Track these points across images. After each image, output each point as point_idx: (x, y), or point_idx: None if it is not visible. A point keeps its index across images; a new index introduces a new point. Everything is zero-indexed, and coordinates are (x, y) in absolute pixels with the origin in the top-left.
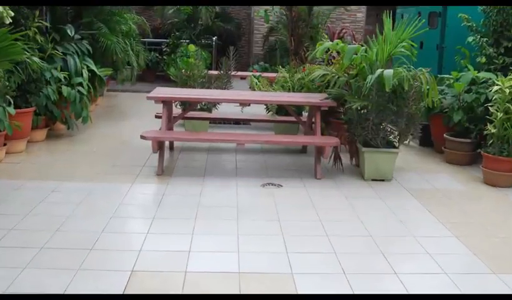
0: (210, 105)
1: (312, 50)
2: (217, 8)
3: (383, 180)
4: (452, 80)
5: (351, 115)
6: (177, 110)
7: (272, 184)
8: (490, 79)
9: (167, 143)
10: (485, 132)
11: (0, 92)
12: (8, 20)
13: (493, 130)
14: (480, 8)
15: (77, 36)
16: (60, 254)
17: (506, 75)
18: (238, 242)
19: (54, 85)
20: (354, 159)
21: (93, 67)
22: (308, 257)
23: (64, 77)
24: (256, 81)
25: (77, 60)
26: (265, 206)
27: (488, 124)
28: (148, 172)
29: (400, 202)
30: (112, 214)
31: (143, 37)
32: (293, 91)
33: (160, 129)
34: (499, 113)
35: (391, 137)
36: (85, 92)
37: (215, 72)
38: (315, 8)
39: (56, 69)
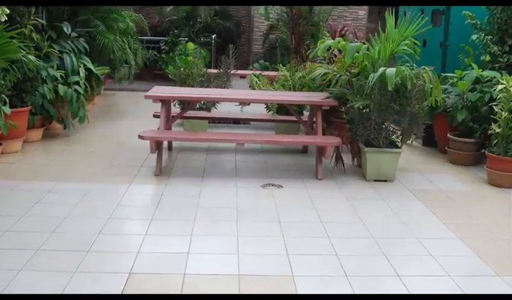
0: (209, 104)
1: (313, 48)
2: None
3: (385, 180)
4: (456, 79)
5: (353, 115)
6: (175, 109)
7: (272, 185)
8: (494, 77)
9: (165, 143)
10: (489, 132)
11: None
12: (3, 18)
13: (498, 130)
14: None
15: (74, 34)
16: (57, 255)
17: (510, 74)
18: (238, 244)
19: (50, 84)
20: (356, 159)
21: (90, 66)
22: (309, 259)
23: (61, 76)
24: (256, 80)
25: (74, 58)
26: (265, 207)
27: (493, 123)
28: (146, 172)
29: (403, 203)
30: (109, 215)
31: (141, 35)
32: (294, 90)
33: (158, 129)
34: (503, 112)
35: (393, 136)
36: (82, 91)
37: (214, 71)
38: None
39: (52, 67)
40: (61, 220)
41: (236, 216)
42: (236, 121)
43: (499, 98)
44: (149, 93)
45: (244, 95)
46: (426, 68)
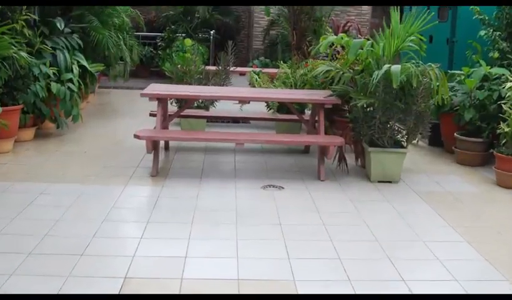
0: (208, 102)
1: (315, 44)
2: None
3: (390, 182)
4: (463, 77)
5: (357, 114)
6: (172, 108)
7: (273, 186)
8: (503, 75)
9: (162, 143)
10: (498, 131)
11: None
12: None
13: (506, 129)
14: None
15: (67, 30)
16: (50, 259)
17: None
18: (237, 248)
19: (42, 82)
20: (359, 160)
21: (84, 63)
22: (311, 263)
23: (53, 73)
24: (256, 77)
25: (67, 55)
26: (266, 209)
27: (501, 122)
28: (142, 173)
29: (408, 205)
30: (104, 217)
31: (137, 31)
32: (295, 88)
33: (154, 128)
34: None
35: (398, 136)
36: (75, 89)
37: (212, 68)
38: None
39: (45, 64)
40: (54, 223)
41: (235, 219)
42: (235, 120)
43: (508, 96)
44: (145, 91)
45: (244, 93)
46: (433, 65)
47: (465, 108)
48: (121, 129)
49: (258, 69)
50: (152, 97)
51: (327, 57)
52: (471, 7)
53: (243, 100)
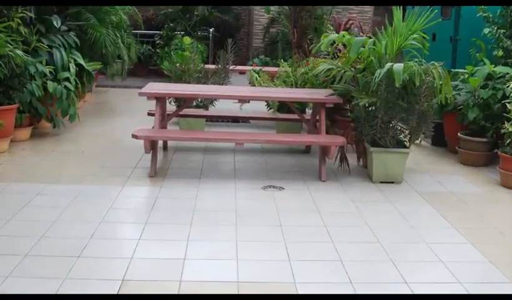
0: (207, 102)
1: (316, 42)
2: None
3: (392, 182)
4: (467, 75)
5: (358, 113)
6: (171, 107)
7: (273, 187)
8: (508, 73)
9: (160, 143)
10: (502, 131)
11: None
12: None
13: (511, 129)
14: None
15: (64, 27)
16: (46, 261)
17: None
18: (237, 249)
19: (38, 81)
20: (361, 160)
21: (81, 61)
22: (311, 265)
23: (50, 72)
24: (256, 76)
25: (64, 53)
26: (266, 210)
27: (506, 122)
28: (140, 173)
29: (411, 206)
30: (101, 218)
31: (135, 29)
32: (296, 87)
33: (152, 128)
34: None
35: (401, 136)
36: (72, 88)
37: (212, 67)
38: None
39: (41, 62)
40: (51, 224)
41: (235, 220)
42: (235, 120)
43: None
44: (143, 90)
45: (243, 92)
46: (436, 63)
47: (469, 107)
48: (119, 128)
49: (258, 68)
50: (150, 96)
51: (328, 55)
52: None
53: (243, 100)
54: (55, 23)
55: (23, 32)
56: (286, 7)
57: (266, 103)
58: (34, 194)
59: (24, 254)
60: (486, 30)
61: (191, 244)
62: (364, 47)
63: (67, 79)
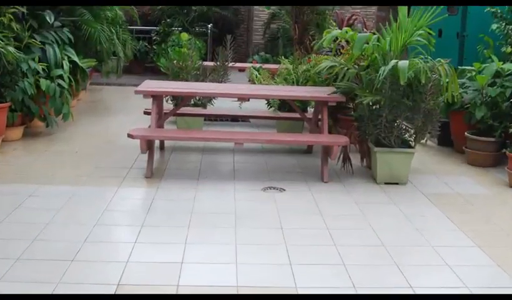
0: (205, 100)
1: (318, 39)
2: None
3: (397, 183)
4: (474, 73)
5: (362, 112)
6: (168, 105)
7: (274, 188)
8: None
9: (157, 142)
10: (511, 130)
11: None
12: None
13: None
14: None
15: (57, 23)
16: (39, 265)
17: None
18: (236, 253)
19: (31, 78)
20: (365, 160)
21: (75, 58)
22: (313, 270)
23: (43, 69)
24: (256, 73)
25: (57, 50)
26: (266, 212)
27: None
28: (136, 174)
29: (416, 208)
30: (95, 221)
31: (131, 25)
32: (297, 85)
33: (149, 127)
34: None
35: (406, 135)
36: (66, 86)
37: (210, 64)
38: None
39: (34, 59)
40: (43, 227)
41: (234, 222)
42: (234, 118)
43: None
44: (139, 88)
45: (243, 90)
46: (442, 60)
47: (476, 106)
48: (114, 127)
49: (258, 65)
50: (146, 95)
51: (331, 52)
52: None
53: (243, 98)
54: (48, 19)
55: (15, 28)
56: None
57: (266, 101)
58: (26, 196)
59: (16, 257)
60: (494, 26)
61: (189, 247)
62: (368, 44)
63: (61, 77)
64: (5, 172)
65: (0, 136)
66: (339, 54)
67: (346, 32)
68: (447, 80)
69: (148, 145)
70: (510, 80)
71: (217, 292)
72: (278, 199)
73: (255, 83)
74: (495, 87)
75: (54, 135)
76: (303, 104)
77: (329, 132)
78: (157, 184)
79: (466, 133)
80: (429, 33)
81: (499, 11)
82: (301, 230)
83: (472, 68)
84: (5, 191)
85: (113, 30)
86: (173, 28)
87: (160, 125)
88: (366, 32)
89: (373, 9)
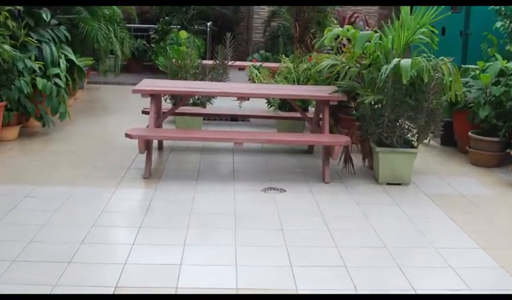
0: (204, 99)
1: (320, 37)
2: None
3: (399, 184)
4: (478, 71)
5: (364, 111)
6: (166, 105)
7: (274, 189)
8: None
9: (155, 142)
10: None
11: None
12: None
13: None
14: None
15: (54, 21)
16: (35, 267)
17: None
18: (236, 254)
19: (27, 77)
20: (367, 161)
21: (72, 57)
22: (315, 272)
23: (39, 68)
24: (257, 72)
25: (54, 48)
26: (266, 213)
27: None
28: (134, 175)
29: (419, 209)
30: (93, 222)
31: (129, 23)
32: (298, 83)
33: (147, 127)
34: None
35: (408, 135)
36: (62, 85)
37: (209, 62)
38: None
39: (30, 58)
40: (40, 228)
41: (234, 223)
42: (234, 118)
43: None
44: (137, 87)
45: (243, 90)
46: (445, 59)
47: (480, 105)
48: (111, 127)
49: (258, 64)
50: (144, 94)
51: (332, 50)
52: None
53: (242, 97)
54: (44, 16)
55: (11, 26)
56: None
57: (266, 101)
58: (22, 197)
59: (12, 259)
60: (498, 24)
61: (187, 248)
62: (369, 42)
63: (57, 76)
64: (1, 173)
65: None
66: (340, 52)
67: (348, 30)
68: (450, 79)
69: (146, 145)
70: None
71: (216, 294)
72: (279, 200)
73: (255, 82)
74: (499, 86)
75: (51, 135)
76: (303, 103)
77: (331, 132)
78: (155, 185)
79: (469, 133)
80: (432, 31)
81: (503, 9)
82: (302, 232)
83: (476, 67)
84: (1, 192)
85: (111, 28)
86: (172, 26)
87: (158, 124)
88: (368, 30)
89: (375, 6)
